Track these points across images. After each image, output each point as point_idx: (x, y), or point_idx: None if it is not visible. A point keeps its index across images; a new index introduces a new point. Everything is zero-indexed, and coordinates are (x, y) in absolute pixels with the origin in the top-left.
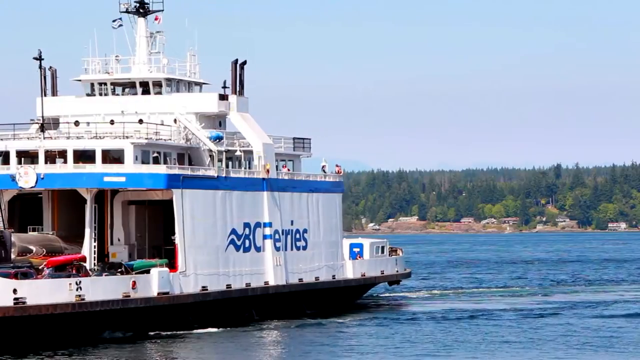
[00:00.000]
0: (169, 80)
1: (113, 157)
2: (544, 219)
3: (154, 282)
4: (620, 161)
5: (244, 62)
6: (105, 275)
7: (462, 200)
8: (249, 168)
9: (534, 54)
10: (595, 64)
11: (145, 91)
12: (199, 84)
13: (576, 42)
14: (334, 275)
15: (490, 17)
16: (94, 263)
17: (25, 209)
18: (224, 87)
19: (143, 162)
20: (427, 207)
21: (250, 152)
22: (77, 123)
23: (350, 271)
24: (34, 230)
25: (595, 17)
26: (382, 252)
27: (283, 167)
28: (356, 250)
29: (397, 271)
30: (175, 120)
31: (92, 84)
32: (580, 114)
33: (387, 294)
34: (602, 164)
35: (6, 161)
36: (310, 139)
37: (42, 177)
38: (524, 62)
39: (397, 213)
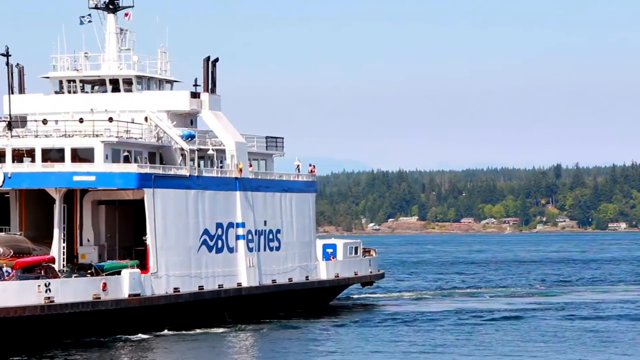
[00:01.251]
0: (139, 77)
1: (82, 156)
2: (544, 219)
3: (125, 284)
4: (620, 161)
5: (216, 60)
6: (75, 276)
7: (462, 200)
8: (221, 167)
9: (534, 54)
10: (595, 64)
11: (115, 89)
12: (170, 82)
13: (576, 42)
14: (307, 276)
15: (490, 17)
16: (63, 264)
17: None
18: (196, 84)
19: (113, 161)
20: (427, 207)
21: (223, 151)
22: (45, 121)
23: (323, 272)
24: (0, 230)
25: (596, 17)
26: (356, 252)
27: (249, 166)
28: (329, 251)
29: (371, 272)
30: (146, 119)
31: (61, 81)
32: (580, 114)
33: (364, 295)
34: (602, 164)
35: None
36: (283, 138)
37: (9, 176)
38: (524, 62)
39: (397, 213)
